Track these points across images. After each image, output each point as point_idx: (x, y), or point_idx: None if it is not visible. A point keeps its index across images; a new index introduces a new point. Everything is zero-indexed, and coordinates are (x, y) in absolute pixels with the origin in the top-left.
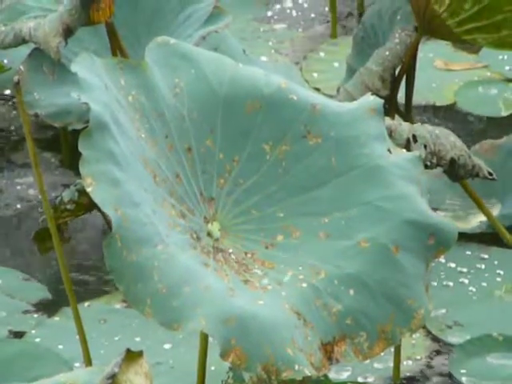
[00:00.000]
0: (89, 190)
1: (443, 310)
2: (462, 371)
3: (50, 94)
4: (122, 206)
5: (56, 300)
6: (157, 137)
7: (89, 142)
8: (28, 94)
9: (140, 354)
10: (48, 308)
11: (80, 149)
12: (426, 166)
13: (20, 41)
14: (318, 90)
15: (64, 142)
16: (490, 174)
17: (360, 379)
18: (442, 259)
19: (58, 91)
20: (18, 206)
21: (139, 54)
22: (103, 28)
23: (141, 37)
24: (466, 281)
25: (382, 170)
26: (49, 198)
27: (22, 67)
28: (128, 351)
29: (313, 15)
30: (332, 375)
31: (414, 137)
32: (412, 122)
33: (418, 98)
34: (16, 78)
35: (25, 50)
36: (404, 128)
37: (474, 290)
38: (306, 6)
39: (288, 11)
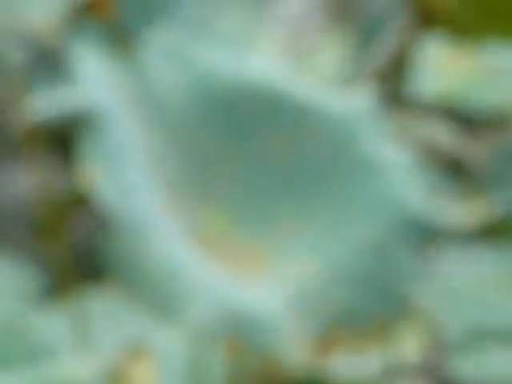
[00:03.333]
0: (86, 181)
1: (437, 304)
2: (459, 364)
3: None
4: (119, 196)
5: (55, 288)
6: (155, 132)
7: (85, 136)
8: None
9: (143, 345)
10: (45, 297)
11: (77, 141)
12: (425, 162)
13: None
14: (315, 81)
15: (62, 134)
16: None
17: (356, 372)
18: (435, 254)
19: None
20: (15, 201)
21: (139, 43)
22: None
23: (141, 26)
24: (459, 274)
25: (378, 166)
26: (47, 193)
27: None
28: (131, 343)
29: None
30: (328, 368)
31: (413, 132)
32: (412, 117)
33: (418, 92)
34: None
35: None
36: (404, 123)
37: (467, 283)
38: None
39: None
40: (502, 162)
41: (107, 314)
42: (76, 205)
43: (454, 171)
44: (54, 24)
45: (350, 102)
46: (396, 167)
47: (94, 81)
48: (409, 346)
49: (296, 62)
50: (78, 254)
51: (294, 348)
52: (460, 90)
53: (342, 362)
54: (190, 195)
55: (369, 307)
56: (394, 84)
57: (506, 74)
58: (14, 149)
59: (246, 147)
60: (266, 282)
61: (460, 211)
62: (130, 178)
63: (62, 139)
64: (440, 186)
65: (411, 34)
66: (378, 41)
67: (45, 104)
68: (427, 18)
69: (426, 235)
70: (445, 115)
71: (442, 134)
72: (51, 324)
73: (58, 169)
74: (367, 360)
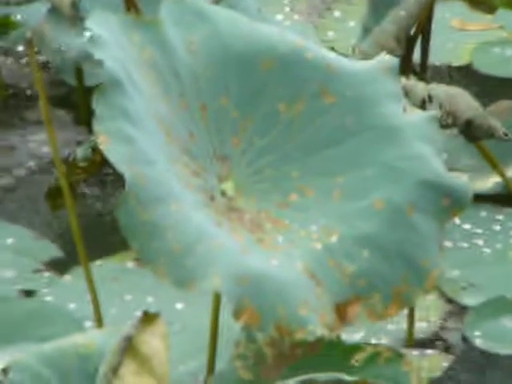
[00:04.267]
0: (102, 147)
1: (457, 272)
2: (476, 333)
3: (74, 40)
4: (136, 164)
5: (67, 259)
6: (171, 95)
7: (103, 99)
8: (52, 43)
9: (157, 315)
10: (59, 267)
11: (94, 106)
12: (442, 126)
13: None
14: (333, 49)
15: (79, 98)
16: (506, 134)
17: (373, 341)
18: (456, 220)
19: (81, 38)
20: (31, 163)
21: (157, 9)
22: None
23: None
24: (481, 242)
25: (398, 130)
26: (62, 156)
27: (44, 20)
28: (145, 312)
29: None
30: (344, 336)
31: (430, 97)
32: (427, 82)
33: (433, 58)
34: (28, 35)
35: (38, 6)
36: (419, 88)
37: (488, 251)
38: None
39: None
40: None
41: (120, 279)
42: (90, 163)
43: (472, 132)
44: None
45: (369, 65)
46: (416, 130)
47: (108, 38)
48: (427, 312)
49: (313, 21)
50: (91, 212)
51: (312, 315)
52: (476, 50)
53: (359, 330)
54: (206, 159)
55: (390, 274)
56: (410, 44)
57: None
58: (27, 106)
59: (262, 107)
60: (285, 249)
61: (479, 174)
62: (145, 145)
63: (76, 95)
64: (459, 147)
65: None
66: (395, 2)
67: (70, 49)
68: None
69: (444, 197)
70: (463, 77)
71: (460, 95)
72: (62, 286)
73: (71, 126)
74: (385, 327)
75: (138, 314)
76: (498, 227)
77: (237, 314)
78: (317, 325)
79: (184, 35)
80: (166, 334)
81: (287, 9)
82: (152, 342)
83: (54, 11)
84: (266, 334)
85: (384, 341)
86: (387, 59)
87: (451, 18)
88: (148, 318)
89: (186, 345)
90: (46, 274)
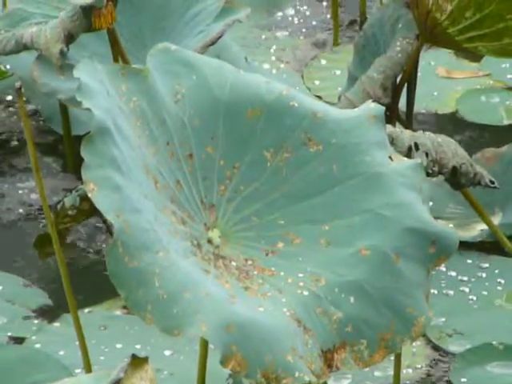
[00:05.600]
0: (91, 195)
1: (443, 319)
2: (463, 380)
3: (66, 83)
4: (124, 212)
5: (56, 306)
6: (158, 143)
7: (91, 148)
8: (44, 86)
9: (145, 359)
10: (48, 314)
11: (82, 154)
12: (428, 174)
13: (21, 47)
14: (319, 97)
15: (66, 147)
16: (492, 182)
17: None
18: (442, 267)
19: (74, 81)
20: (20, 210)
21: (145, 56)
22: None
23: (146, 39)
24: (467, 289)
25: (384, 178)
26: (50, 203)
27: (34, 65)
28: (133, 356)
29: (314, 23)
30: (331, 383)
31: (416, 144)
32: (413, 130)
33: (419, 106)
34: (18, 84)
35: (26, 57)
36: (405, 135)
37: (474, 298)
38: (307, 13)
39: (290, 19)
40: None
41: (108, 326)
42: (78, 211)
43: (458, 180)
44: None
45: (355, 113)
46: (402, 178)
47: (96, 87)
48: (414, 358)
49: (299, 70)
50: (79, 260)
51: (299, 362)
52: (462, 98)
53: (346, 376)
54: (193, 207)
55: (376, 321)
56: (396, 92)
57: None
58: (16, 153)
59: (248, 155)
60: (272, 297)
61: (466, 222)
62: (133, 193)
63: (64, 144)
64: (445, 195)
65: (414, 44)
66: (381, 50)
67: (63, 90)
68: (430, 30)
69: (430, 244)
70: (449, 125)
71: (446, 143)
72: (52, 333)
73: (59, 174)
74: (372, 373)
75: (129, 359)
76: (483, 274)
77: (224, 361)
78: (304, 371)
79: (171, 84)
80: (154, 378)
81: (273, 58)
82: None
83: (43, 57)
84: (253, 380)
85: None
86: (373, 107)
87: (437, 65)
88: (137, 362)
89: None
90: (36, 321)
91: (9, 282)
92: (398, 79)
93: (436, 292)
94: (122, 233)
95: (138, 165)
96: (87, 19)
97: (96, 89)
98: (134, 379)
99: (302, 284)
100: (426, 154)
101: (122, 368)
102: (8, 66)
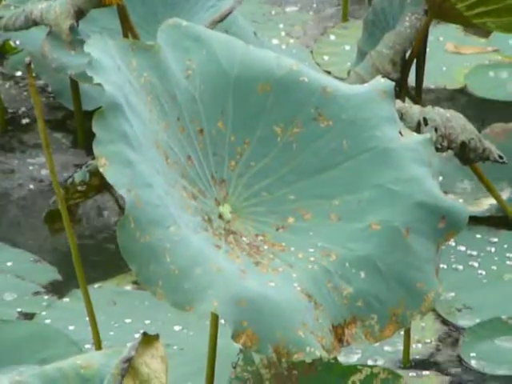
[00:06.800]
0: (102, 170)
1: (453, 293)
2: (472, 354)
3: (77, 58)
4: (135, 187)
5: (66, 281)
6: (169, 119)
7: (103, 123)
8: (55, 61)
9: (156, 337)
10: (58, 289)
11: (94, 129)
12: (437, 149)
13: (31, 23)
14: (328, 72)
15: (77, 122)
16: (501, 157)
17: (370, 362)
18: (451, 242)
19: (84, 56)
20: (31, 186)
21: (154, 33)
22: None
23: (158, 14)
24: (476, 264)
25: (393, 153)
26: (60, 179)
27: (45, 41)
28: (144, 334)
29: None
30: (342, 358)
31: (425, 119)
32: (422, 105)
33: (428, 82)
34: (27, 59)
35: (36, 32)
36: (415, 111)
37: (483, 273)
38: None
39: None
40: None
41: (118, 301)
42: (88, 187)
43: (467, 155)
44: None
45: (364, 88)
46: (412, 153)
47: (106, 63)
48: (423, 333)
49: (308, 45)
50: (89, 235)
51: (310, 337)
52: (471, 73)
53: (355, 351)
54: (204, 182)
55: (386, 296)
56: (405, 68)
57: None
58: (26, 130)
59: (258, 130)
60: (283, 272)
61: (475, 196)
62: (144, 168)
63: (75, 119)
64: (454, 170)
65: (423, 19)
66: (390, 26)
67: (74, 65)
68: (439, 5)
69: (440, 219)
70: (458, 100)
71: (455, 118)
72: (61, 309)
73: (69, 149)
74: (381, 349)
75: (137, 336)
76: (492, 249)
77: (235, 336)
78: (315, 346)
79: (181, 60)
80: (165, 355)
81: (283, 33)
82: (152, 364)
83: (54, 33)
84: (264, 355)
85: (380, 362)
86: (383, 82)
87: (446, 41)
88: (148, 340)
89: (185, 367)
90: (45, 297)
91: (19, 258)
92: (407, 54)
93: (445, 267)
94: (134, 208)
95: (149, 140)
96: None
97: (107, 64)
98: (145, 357)
99: (312, 259)
100: (435, 129)
101: (133, 346)
102: (18, 42)
